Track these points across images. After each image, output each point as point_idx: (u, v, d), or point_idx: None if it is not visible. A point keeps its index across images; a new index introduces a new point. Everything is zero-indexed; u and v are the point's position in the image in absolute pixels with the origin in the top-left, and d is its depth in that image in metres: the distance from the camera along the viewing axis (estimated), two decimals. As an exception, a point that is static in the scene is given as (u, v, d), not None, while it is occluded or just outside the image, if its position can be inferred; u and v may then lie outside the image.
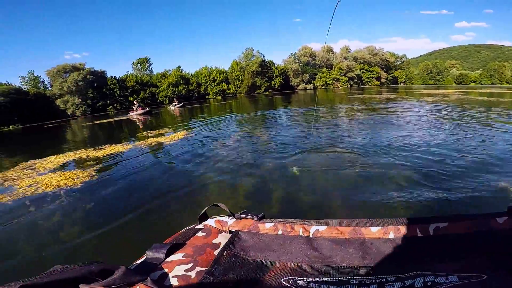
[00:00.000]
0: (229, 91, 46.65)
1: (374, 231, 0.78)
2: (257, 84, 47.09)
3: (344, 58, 54.99)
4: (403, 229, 0.77)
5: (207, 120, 12.77)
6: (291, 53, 56.59)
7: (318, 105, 15.67)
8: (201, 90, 45.59)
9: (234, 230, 0.88)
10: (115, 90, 37.67)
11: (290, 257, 0.76)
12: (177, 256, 0.72)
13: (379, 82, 54.33)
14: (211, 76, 46.07)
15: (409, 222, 0.78)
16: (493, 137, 5.51)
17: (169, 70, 45.99)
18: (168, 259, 0.71)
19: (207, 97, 45.44)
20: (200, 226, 0.91)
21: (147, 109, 21.80)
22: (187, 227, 0.90)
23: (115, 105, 37.09)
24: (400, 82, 57.66)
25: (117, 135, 11.58)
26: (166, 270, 0.67)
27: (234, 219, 0.90)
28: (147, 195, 3.70)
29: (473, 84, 56.26)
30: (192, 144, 6.91)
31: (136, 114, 20.65)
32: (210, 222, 0.92)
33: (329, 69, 53.28)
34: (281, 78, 48.96)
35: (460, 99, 16.91)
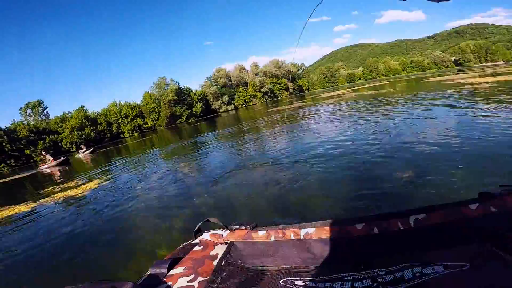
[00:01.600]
0: (147, 125, 43.72)
1: (359, 228, 0.82)
2: (177, 113, 45.78)
3: (256, 74, 59.43)
4: (385, 224, 0.81)
5: (124, 162, 11.51)
6: (207, 77, 58.00)
7: (243, 123, 16.23)
8: (113, 129, 41.37)
9: (229, 241, 0.91)
10: (4, 144, 30.98)
11: (285, 260, 0.80)
12: (178, 270, 0.77)
13: (288, 92, 60.34)
14: (122, 112, 42.35)
15: (390, 217, 0.82)
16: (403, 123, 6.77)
17: (70, 112, 40.34)
18: (171, 272, 0.76)
19: (122, 136, 41.46)
20: (196, 240, 0.94)
21: (62, 158, 18.97)
22: (184, 243, 0.93)
23: (8, 161, 30.72)
24: (305, 90, 65.50)
25: (18, 195, 9.43)
26: (170, 283, 0.71)
27: (227, 231, 0.94)
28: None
29: (359, 81, 69.09)
30: (109, 191, 6.11)
31: (49, 167, 17.57)
32: (205, 236, 0.95)
33: (245, 87, 56.45)
34: (201, 104, 49.00)
35: (353, 96, 20.28)
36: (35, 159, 32.42)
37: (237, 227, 0.94)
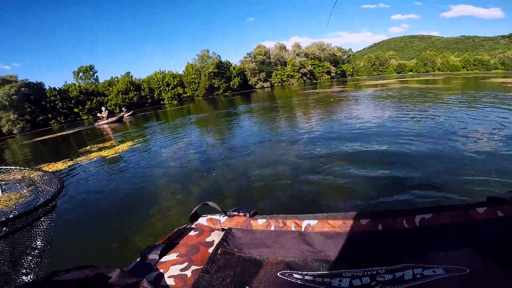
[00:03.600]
0: (186, 94, 45.41)
1: (363, 224, 0.80)
2: (215, 85, 46.67)
3: (296, 55, 57.23)
4: (390, 221, 0.79)
5: (159, 126, 12.53)
6: (247, 53, 57.23)
7: (277, 100, 16.27)
8: (155, 95, 43.63)
9: (226, 227, 0.88)
10: (56, 103, 34.23)
11: (284, 252, 0.78)
12: (171, 256, 0.74)
13: (329, 76, 57.74)
14: (165, 80, 44.32)
15: (396, 214, 0.80)
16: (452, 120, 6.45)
17: (117, 78, 43.07)
18: (163, 259, 0.73)
19: (162, 102, 43.65)
20: (192, 225, 0.91)
21: (118, 116, 20.17)
22: (179, 227, 0.91)
23: (58, 118, 33.86)
24: (348, 75, 61.96)
25: (61, 151, 10.78)
26: (161, 270, 0.68)
27: (226, 217, 0.91)
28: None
29: (410, 73, 63.18)
30: (138, 154, 6.81)
31: (107, 123, 19.02)
32: (202, 221, 0.92)
33: (284, 66, 55.09)
34: (239, 78, 49.14)
35: (398, 87, 18.96)
36: (81, 117, 35.49)
37: (236, 213, 0.91)
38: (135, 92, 40.81)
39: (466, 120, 6.07)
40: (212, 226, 0.91)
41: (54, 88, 35.52)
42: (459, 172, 3.28)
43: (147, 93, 42.84)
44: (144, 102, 41.97)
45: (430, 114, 7.15)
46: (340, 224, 0.81)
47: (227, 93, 45.85)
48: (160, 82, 44.20)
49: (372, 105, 10.56)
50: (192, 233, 0.86)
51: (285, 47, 58.76)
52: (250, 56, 55.58)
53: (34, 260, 1.03)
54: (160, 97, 44.20)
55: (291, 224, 0.84)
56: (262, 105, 15.96)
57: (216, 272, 0.68)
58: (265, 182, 3.69)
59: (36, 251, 1.04)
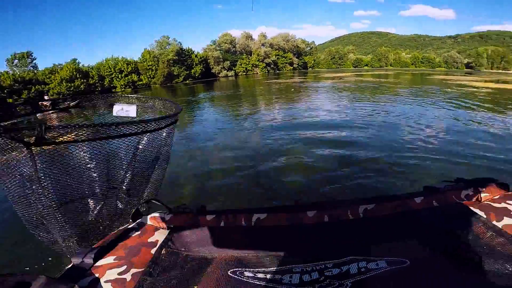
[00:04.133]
0: (141, 82, 42.34)
1: (310, 216, 0.80)
2: (175, 73, 44.42)
3: (262, 44, 57.09)
4: (336, 213, 0.80)
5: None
6: (211, 40, 55.69)
7: (240, 90, 15.97)
8: (105, 83, 40.09)
9: (172, 226, 0.83)
10: None
11: (235, 249, 0.74)
12: (107, 260, 0.68)
13: (291, 67, 58.61)
14: (117, 67, 40.85)
15: (341, 205, 0.82)
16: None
17: (60, 65, 38.58)
18: (98, 263, 0.66)
19: (113, 90, 40.03)
20: (134, 225, 0.84)
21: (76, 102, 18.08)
22: (120, 228, 0.85)
23: None
24: (309, 67, 63.55)
25: None
26: (96, 275, 0.62)
27: (171, 215, 0.85)
28: None
29: (366, 67, 67.28)
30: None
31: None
32: (145, 219, 0.86)
33: (249, 56, 54.51)
34: (201, 66, 47.44)
35: (353, 80, 20.03)
36: (17, 108, 31.57)
37: (182, 210, 0.86)
38: (82, 80, 36.87)
39: (410, 112, 6.58)
40: (156, 225, 0.85)
41: (-21, 77, 30.53)
42: (399, 155, 3.59)
43: (97, 81, 39.17)
44: (92, 91, 38.21)
45: (380, 105, 7.68)
46: (289, 217, 0.82)
47: (187, 81, 44.19)
48: (112, 69, 40.72)
49: (329, 96, 11.00)
50: (133, 233, 0.81)
51: (251, 37, 58.29)
52: (214, 44, 53.98)
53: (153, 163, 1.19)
54: (112, 85, 40.80)
55: (241, 219, 0.82)
56: (226, 93, 15.63)
57: (160, 274, 0.66)
58: (225, 168, 3.57)
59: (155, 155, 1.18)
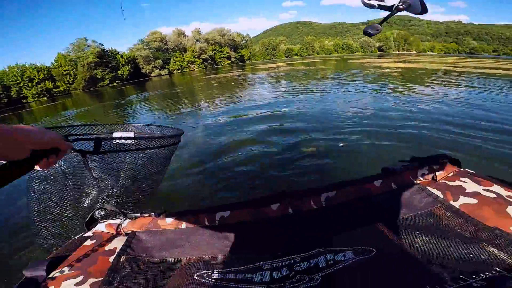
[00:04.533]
0: (59, 89, 37.26)
1: (274, 209, 0.78)
2: (98, 76, 40.08)
3: (197, 40, 55.28)
4: (299, 203, 0.79)
5: None
6: (139, 39, 51.61)
7: (176, 88, 15.21)
8: (13, 94, 33.91)
9: (130, 231, 0.79)
10: None
11: (200, 250, 0.72)
12: (62, 271, 0.64)
13: (229, 61, 58.56)
14: (25, 75, 34.88)
15: (304, 195, 0.80)
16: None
17: None
18: (51, 275, 0.63)
19: (24, 101, 34.37)
20: (89, 233, 0.81)
21: None
22: (74, 237, 0.81)
23: None
24: (246, 60, 64.50)
25: None
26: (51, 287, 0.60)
27: (128, 220, 0.82)
28: None
29: (296, 56, 71.67)
30: None
31: None
32: (100, 227, 0.82)
33: (183, 53, 52.31)
34: (129, 67, 43.83)
35: (287, 69, 21.13)
36: None
37: (139, 214, 0.82)
38: None
39: (338, 94, 7.38)
40: (113, 232, 0.82)
41: None
42: (334, 130, 4.04)
43: (1, 92, 32.58)
44: (-4, 104, 31.69)
45: (312, 90, 8.47)
46: (253, 212, 0.79)
47: (114, 84, 40.26)
48: (19, 78, 34.43)
49: (268, 86, 11.45)
50: (88, 242, 0.77)
51: (184, 33, 55.83)
52: (143, 43, 50.01)
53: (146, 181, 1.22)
54: (22, 95, 34.55)
55: (203, 219, 0.80)
56: (160, 93, 14.69)
57: (121, 282, 0.63)
58: (176, 168, 3.34)
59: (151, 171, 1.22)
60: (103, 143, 0.90)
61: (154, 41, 51.09)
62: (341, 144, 3.39)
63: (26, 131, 0.45)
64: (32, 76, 35.08)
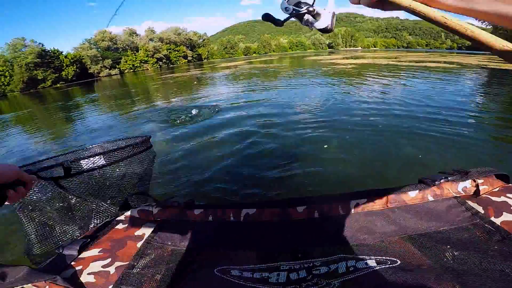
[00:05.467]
0: None
1: (300, 211, 0.78)
2: (39, 77, 36.40)
3: (150, 39, 52.94)
4: (326, 208, 0.78)
5: None
6: (85, 39, 47.89)
7: (123, 88, 14.52)
8: None
9: (159, 219, 0.82)
10: None
11: (222, 244, 0.73)
12: (92, 252, 0.66)
13: (186, 60, 57.25)
14: None
15: (332, 200, 0.79)
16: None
17: None
18: (82, 255, 0.65)
19: None
20: (121, 217, 0.83)
21: None
22: (107, 220, 0.84)
23: None
24: (204, 59, 63.57)
25: None
26: (80, 267, 0.62)
27: (159, 208, 0.83)
28: None
29: (254, 54, 72.88)
30: None
31: None
32: (132, 212, 0.84)
33: (135, 52, 49.68)
34: (75, 67, 40.58)
35: (247, 67, 21.37)
36: None
37: (170, 204, 0.84)
38: None
39: (297, 91, 7.72)
40: (144, 218, 0.82)
41: None
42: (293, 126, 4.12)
43: None
44: None
45: (273, 87, 8.84)
46: (279, 213, 0.80)
47: (58, 85, 36.93)
48: None
49: (232, 84, 11.61)
50: (119, 226, 0.79)
51: (135, 32, 52.94)
52: (89, 43, 46.29)
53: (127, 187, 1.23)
54: None
55: (230, 214, 0.80)
56: (111, 93, 13.95)
57: (144, 268, 0.63)
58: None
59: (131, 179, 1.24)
60: (72, 166, 0.97)
61: (103, 40, 47.78)
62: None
63: None
64: (-47, 80, 30.35)
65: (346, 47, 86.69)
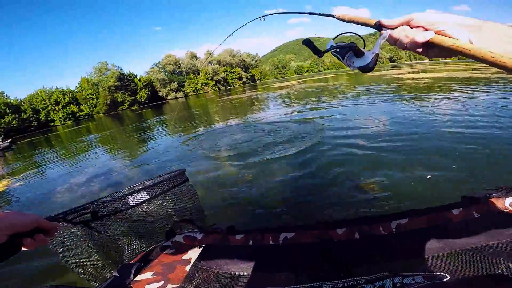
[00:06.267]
0: (82, 113, 39.30)
1: (340, 233, 0.79)
2: (119, 100, 41.92)
3: (209, 62, 57.40)
4: (367, 229, 0.78)
5: (53, 154, 9.84)
6: (154, 63, 54.23)
7: (192, 110, 15.54)
8: (41, 117, 36.00)
9: (204, 244, 0.86)
10: None
11: (263, 268, 0.75)
12: (146, 275, 0.72)
13: (241, 81, 60.16)
14: (53, 98, 37.09)
15: (372, 221, 0.79)
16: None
17: None
18: (137, 278, 0.71)
19: (52, 124, 36.40)
20: (168, 243, 0.89)
21: (7, 142, 16.07)
22: (155, 245, 0.89)
23: None
24: (258, 79, 66.11)
25: None
26: None
27: (202, 234, 0.88)
28: None
29: (307, 73, 72.60)
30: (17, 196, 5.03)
31: None
32: (178, 238, 0.90)
33: (197, 75, 54.18)
34: (147, 90, 45.74)
35: (302, 87, 21.22)
36: None
37: (213, 229, 0.89)
38: (13, 115, 32.21)
39: (360, 110, 7.08)
40: (189, 243, 0.88)
41: None
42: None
43: (31, 115, 34.62)
44: (27, 126, 33.71)
45: (342, 104, 8.31)
46: (318, 235, 0.81)
47: (134, 107, 42.12)
48: (47, 101, 36.63)
49: (297, 102, 11.38)
50: (168, 251, 0.86)
51: (196, 55, 58.13)
52: (158, 67, 52.42)
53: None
54: (49, 118, 36.63)
55: (268, 238, 0.84)
56: (177, 115, 15.08)
57: None
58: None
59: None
60: (99, 210, 0.99)
61: (169, 64, 53.37)
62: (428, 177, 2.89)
63: None
64: (58, 100, 37.26)
65: (411, 60, 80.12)
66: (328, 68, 76.20)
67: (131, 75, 45.68)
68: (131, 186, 1.36)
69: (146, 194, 1.14)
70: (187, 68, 54.94)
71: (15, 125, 31.93)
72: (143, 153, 6.55)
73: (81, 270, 1.11)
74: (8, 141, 17.17)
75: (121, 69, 44.66)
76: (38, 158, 9.85)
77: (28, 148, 15.06)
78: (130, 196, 1.11)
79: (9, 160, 11.35)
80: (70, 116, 37.95)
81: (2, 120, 31.19)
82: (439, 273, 0.62)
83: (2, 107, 31.80)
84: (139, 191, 1.14)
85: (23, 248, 0.51)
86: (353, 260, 0.73)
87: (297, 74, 72.96)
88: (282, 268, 0.75)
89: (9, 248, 0.48)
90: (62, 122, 36.62)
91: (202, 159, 4.86)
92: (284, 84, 31.34)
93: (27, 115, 34.35)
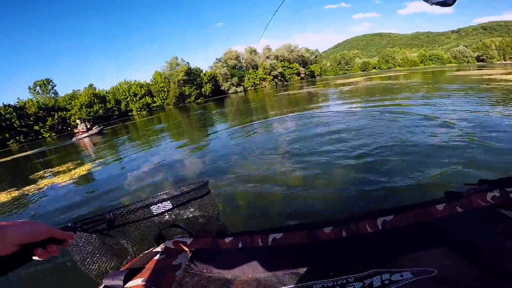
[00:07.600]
0: (155, 104, 44.00)
1: (327, 232, 0.79)
2: (186, 93, 45.67)
3: (267, 57, 57.89)
4: (353, 227, 0.79)
5: (129, 141, 11.40)
6: (216, 58, 57.07)
7: (251, 104, 15.97)
8: (122, 107, 41.74)
9: (193, 249, 0.86)
10: (13, 121, 31.10)
11: (254, 270, 0.75)
12: (136, 282, 0.71)
13: (299, 77, 58.92)
14: (131, 90, 42.56)
15: (358, 219, 0.80)
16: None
17: (79, 90, 40.76)
18: (128, 285, 0.70)
19: (130, 114, 41.83)
20: (158, 248, 0.88)
21: (100, 127, 19.60)
22: (145, 251, 0.88)
23: (17, 138, 30.90)
24: (317, 75, 63.64)
25: (15, 177, 9.22)
26: None
27: (192, 238, 0.87)
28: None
29: (374, 70, 66.66)
30: (96, 181, 5.69)
31: (89, 135, 18.14)
32: (168, 243, 0.89)
33: (255, 70, 55.31)
34: (211, 84, 48.55)
35: (368, 84, 19.61)
36: (43, 135, 33.22)
37: (202, 233, 0.89)
38: (100, 105, 38.50)
39: (434, 110, 6.22)
40: (179, 248, 0.87)
41: (9, 105, 32.21)
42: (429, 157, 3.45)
43: (113, 105, 40.73)
44: (111, 115, 39.80)
45: (405, 104, 7.52)
46: (306, 235, 0.83)
47: (199, 100, 45.13)
48: (127, 93, 42.48)
49: (363, 99, 10.70)
50: (158, 256, 0.85)
51: (255, 51, 59.36)
52: (220, 61, 55.23)
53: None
54: (128, 108, 42.42)
55: (257, 240, 0.84)
56: (236, 108, 15.73)
57: None
58: (262, 193, 3.31)
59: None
60: (117, 220, 0.97)
61: (230, 59, 55.76)
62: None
63: (4, 229, 0.45)
64: (136, 92, 42.68)
65: (505, 60, 65.95)
66: (399, 65, 68.45)
67: (197, 69, 49.22)
68: (153, 196, 1.36)
69: (170, 204, 1.11)
70: (246, 63, 56.49)
71: (101, 114, 37.70)
72: (203, 138, 7.21)
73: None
74: (100, 127, 20.74)
75: (188, 64, 48.50)
76: (118, 144, 11.47)
77: (112, 134, 17.48)
78: (154, 206, 1.07)
79: (98, 143, 13.52)
80: (145, 106, 42.88)
81: (91, 109, 37.15)
82: (426, 268, 0.62)
83: (92, 97, 37.86)
84: (163, 200, 1.10)
85: (34, 258, 0.50)
86: (341, 258, 0.73)
87: (362, 71, 67.55)
88: (272, 269, 0.75)
89: (19, 258, 0.48)
90: (138, 112, 41.80)
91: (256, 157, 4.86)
92: (347, 80, 29.44)
93: (111, 105, 40.18)
